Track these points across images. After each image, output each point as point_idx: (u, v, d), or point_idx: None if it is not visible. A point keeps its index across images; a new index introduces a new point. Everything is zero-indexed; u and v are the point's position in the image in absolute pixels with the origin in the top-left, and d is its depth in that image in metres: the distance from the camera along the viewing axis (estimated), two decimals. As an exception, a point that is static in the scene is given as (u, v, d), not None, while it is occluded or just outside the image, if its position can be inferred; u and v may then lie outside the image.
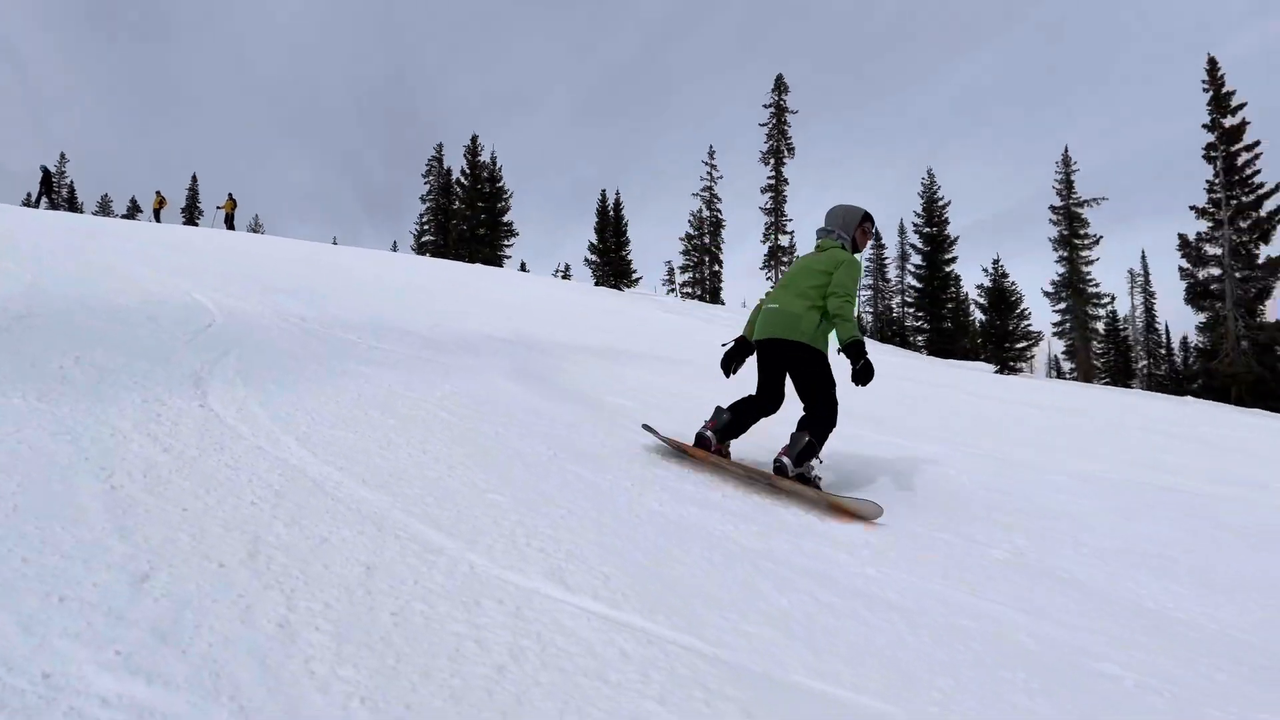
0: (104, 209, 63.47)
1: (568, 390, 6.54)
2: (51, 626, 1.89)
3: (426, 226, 50.56)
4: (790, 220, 49.62)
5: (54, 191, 22.82)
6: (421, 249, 50.07)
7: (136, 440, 3.34)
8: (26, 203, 22.88)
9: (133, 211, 60.69)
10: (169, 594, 2.12)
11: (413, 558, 2.65)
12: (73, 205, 58.67)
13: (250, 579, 2.29)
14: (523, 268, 65.62)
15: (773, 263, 48.71)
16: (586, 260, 50.12)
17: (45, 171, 24.19)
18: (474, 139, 49.02)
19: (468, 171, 48.85)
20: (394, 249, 65.18)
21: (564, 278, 53.83)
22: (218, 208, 29.44)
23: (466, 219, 47.83)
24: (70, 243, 9.97)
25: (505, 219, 48.87)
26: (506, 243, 48.74)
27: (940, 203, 49.35)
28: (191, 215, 59.41)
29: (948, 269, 49.13)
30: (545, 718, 1.88)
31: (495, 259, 47.13)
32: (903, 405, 9.42)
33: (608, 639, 2.31)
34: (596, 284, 46.64)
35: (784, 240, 49.30)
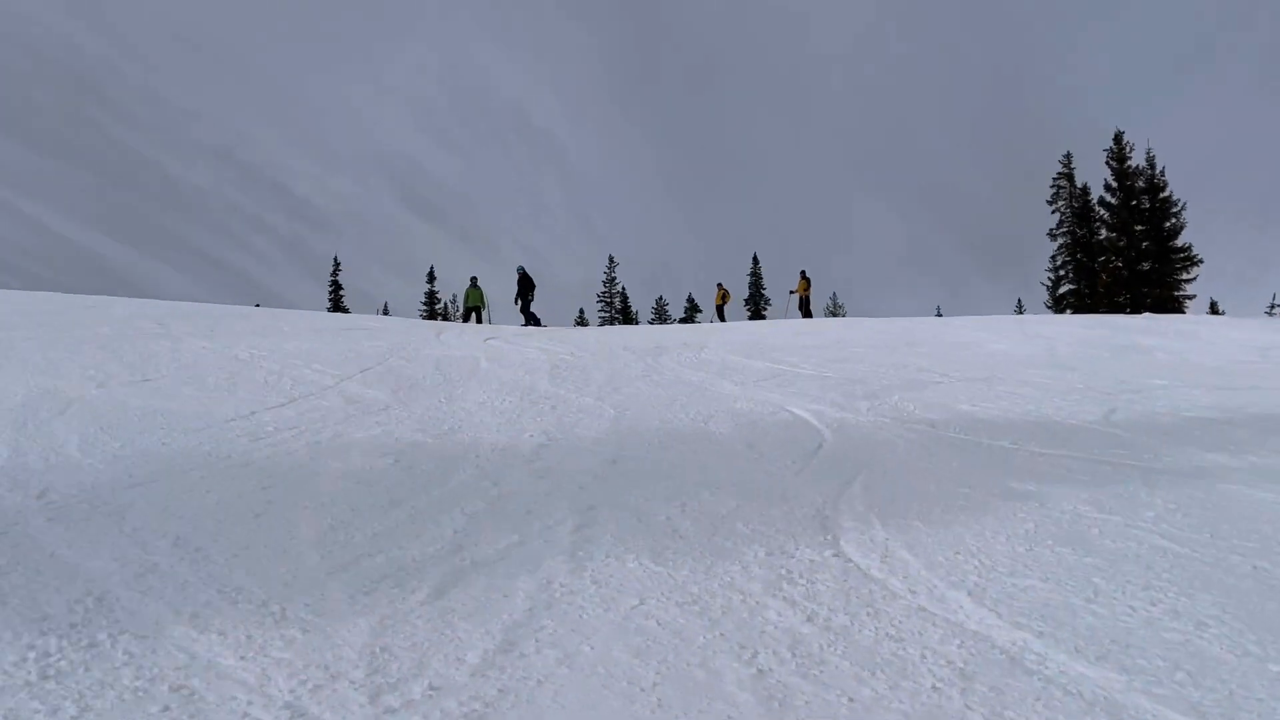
0: (659, 315, 65.07)
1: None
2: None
3: (1062, 271, 41.32)
4: None
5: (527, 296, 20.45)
6: (1059, 303, 41.04)
7: (772, 607, 3.10)
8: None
9: (691, 313, 62.12)
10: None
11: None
12: (626, 316, 61.78)
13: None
14: (1213, 309, 53.23)
15: None
16: (1331, 286, 37.24)
17: (522, 272, 23.74)
18: (1118, 137, 38.30)
19: (1113, 185, 38.19)
20: (1019, 309, 56.28)
21: (1291, 314, 41.56)
22: (790, 291, 27.17)
23: (1120, 252, 37.47)
24: (641, 364, 10.07)
25: (1178, 243, 37.09)
26: (1184, 276, 37.04)
27: None
28: (757, 306, 58.44)
29: None
30: None
31: (1170, 302, 36.39)
32: None
33: None
34: (1354, 319, 34.54)
35: None
